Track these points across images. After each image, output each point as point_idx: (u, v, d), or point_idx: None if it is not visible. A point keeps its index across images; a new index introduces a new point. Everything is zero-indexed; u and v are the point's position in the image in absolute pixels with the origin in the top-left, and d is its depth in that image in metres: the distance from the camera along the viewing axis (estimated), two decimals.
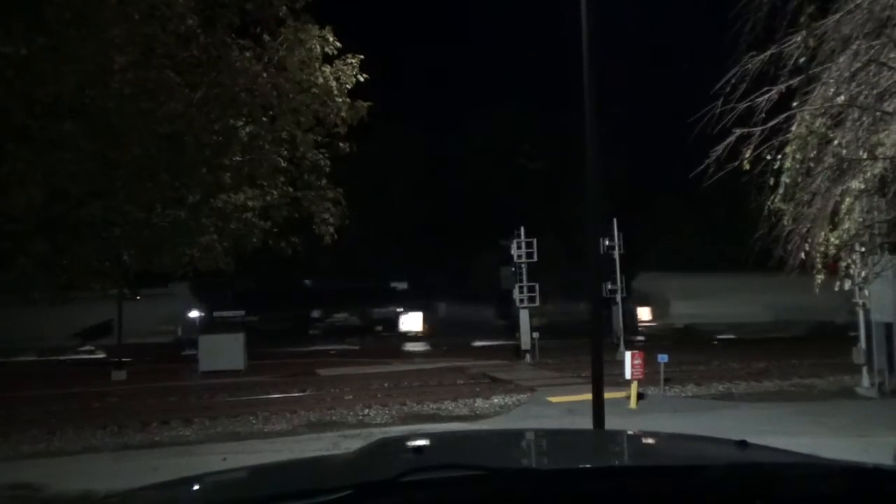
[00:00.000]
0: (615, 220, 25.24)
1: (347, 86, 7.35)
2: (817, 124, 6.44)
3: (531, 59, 49.62)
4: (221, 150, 6.91)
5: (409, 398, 16.23)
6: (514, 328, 36.41)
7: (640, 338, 32.73)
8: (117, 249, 7.56)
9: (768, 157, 6.49)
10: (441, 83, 53.18)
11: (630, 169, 39.82)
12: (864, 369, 14.90)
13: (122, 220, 7.18)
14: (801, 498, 1.57)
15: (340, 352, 29.80)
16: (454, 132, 47.74)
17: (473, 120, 47.26)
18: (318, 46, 7.08)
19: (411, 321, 39.46)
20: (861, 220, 7.19)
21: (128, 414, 14.99)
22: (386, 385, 18.96)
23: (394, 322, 39.32)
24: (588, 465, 1.98)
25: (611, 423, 7.83)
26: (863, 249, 7.92)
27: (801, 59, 6.15)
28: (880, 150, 6.36)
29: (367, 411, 14.86)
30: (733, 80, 6.19)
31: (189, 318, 30.97)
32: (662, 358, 14.69)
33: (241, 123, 6.96)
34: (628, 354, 13.76)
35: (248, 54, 6.90)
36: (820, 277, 7.32)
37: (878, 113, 6.16)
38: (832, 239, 7.02)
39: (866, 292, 13.55)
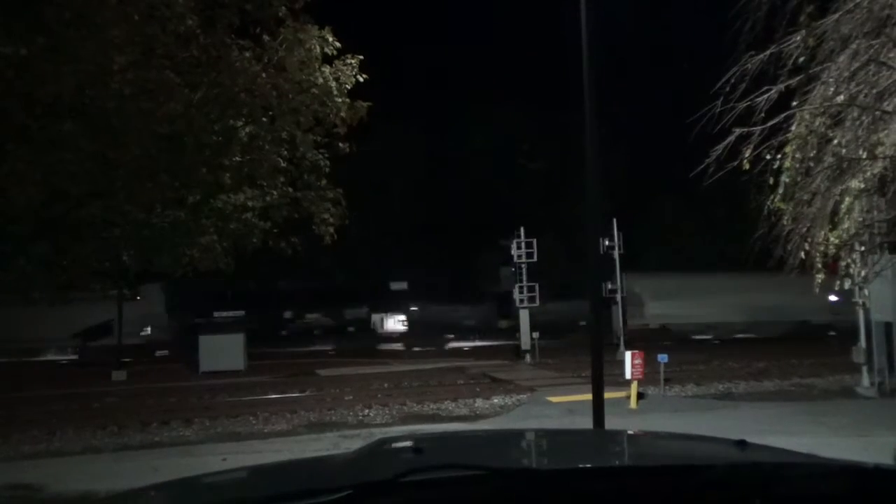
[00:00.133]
0: (615, 220, 25.24)
1: (347, 86, 7.36)
2: (817, 124, 6.44)
3: (531, 59, 49.60)
4: (221, 151, 6.91)
5: (409, 398, 16.23)
6: (494, 329, 36.51)
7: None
8: (117, 250, 7.57)
9: (768, 157, 6.49)
10: (441, 83, 53.16)
11: (630, 169, 39.83)
12: (864, 369, 14.90)
13: (122, 221, 7.19)
14: (801, 497, 1.57)
15: (312, 352, 29.76)
16: (454, 132, 47.73)
17: (473, 120, 47.24)
18: (317, 47, 7.08)
19: (390, 322, 39.44)
20: (861, 219, 7.19)
21: (128, 414, 14.98)
22: (386, 385, 18.95)
23: (366, 323, 39.22)
24: (588, 465, 1.98)
25: (611, 422, 7.83)
26: (862, 249, 7.92)
27: (801, 59, 6.15)
28: (880, 149, 6.36)
29: (367, 411, 14.85)
30: (733, 80, 6.19)
31: (160, 319, 30.87)
32: (662, 358, 14.69)
33: (240, 124, 6.96)
34: (628, 354, 13.75)
35: (247, 54, 6.91)
36: (820, 277, 7.31)
37: (877, 112, 6.16)
38: (832, 238, 7.02)
39: (866, 292, 13.54)
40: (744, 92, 6.20)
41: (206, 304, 31.81)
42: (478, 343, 33.01)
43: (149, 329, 29.94)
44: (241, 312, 35.00)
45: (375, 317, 39.69)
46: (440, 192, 44.83)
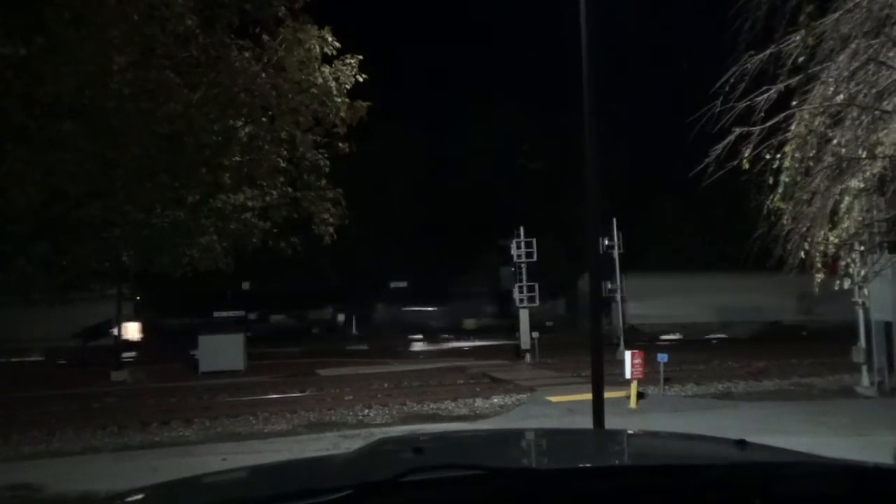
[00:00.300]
0: (615, 219, 25.24)
1: (346, 86, 7.35)
2: (816, 123, 6.44)
3: (531, 59, 49.62)
4: (221, 151, 6.91)
5: (409, 398, 16.23)
6: (460, 330, 36.45)
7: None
8: (117, 250, 7.56)
9: (767, 157, 6.49)
10: (441, 83, 53.19)
11: (630, 169, 39.84)
12: (864, 368, 14.90)
13: (122, 221, 7.19)
14: (800, 497, 1.57)
15: (271, 354, 29.82)
16: (454, 132, 47.75)
17: (473, 120, 47.25)
18: (316, 47, 7.08)
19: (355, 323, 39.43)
20: (860, 218, 7.19)
21: (128, 414, 14.98)
22: (386, 385, 18.95)
23: (331, 324, 39.14)
24: (588, 465, 1.98)
25: (611, 422, 7.83)
26: (862, 248, 7.92)
27: (801, 59, 6.15)
28: (879, 148, 6.36)
29: (367, 411, 14.85)
30: (732, 80, 6.18)
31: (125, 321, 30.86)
32: (662, 357, 14.70)
33: (240, 124, 6.96)
34: (628, 354, 13.76)
35: (247, 54, 6.90)
36: (820, 276, 7.32)
37: (877, 112, 6.16)
38: (831, 238, 7.02)
39: (866, 291, 13.54)
40: (743, 91, 6.20)
41: (173, 306, 31.75)
42: (452, 345, 32.78)
43: (116, 330, 30.04)
44: (240, 312, 35.03)
45: (341, 317, 39.65)
46: (440, 192, 44.84)
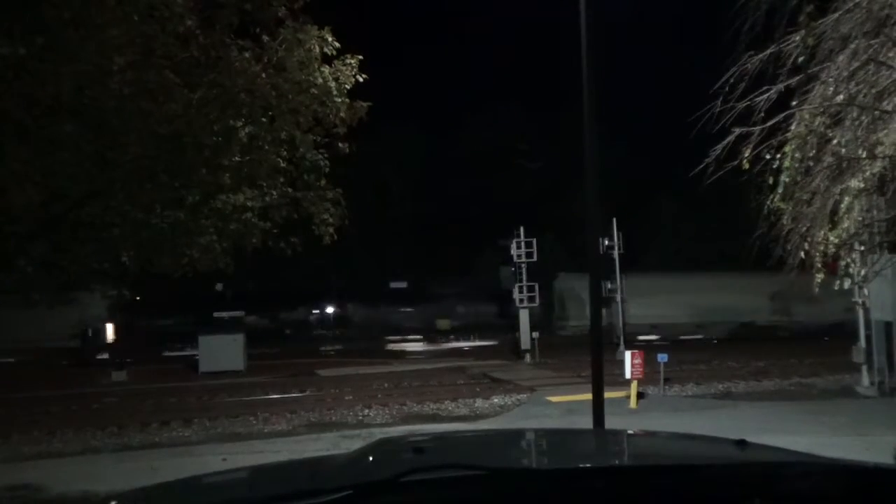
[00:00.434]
0: (615, 220, 25.26)
1: (346, 86, 7.34)
2: (816, 123, 6.44)
3: (531, 59, 49.71)
4: (221, 151, 6.89)
5: (410, 398, 16.24)
6: (434, 331, 36.41)
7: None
8: (116, 250, 7.54)
9: (767, 157, 6.48)
10: (441, 83, 53.26)
11: (630, 169, 39.85)
12: (864, 368, 14.90)
13: (122, 221, 7.17)
14: (801, 497, 1.57)
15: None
16: (454, 132, 47.81)
17: (473, 120, 47.30)
18: (316, 47, 7.06)
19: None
20: (860, 218, 7.18)
21: (128, 415, 14.99)
22: (386, 385, 18.96)
23: (306, 325, 39.06)
24: (588, 465, 1.98)
25: (611, 422, 7.83)
26: (862, 248, 7.92)
27: (800, 59, 6.15)
28: (879, 148, 6.36)
29: (367, 411, 14.86)
30: (732, 80, 6.18)
31: (97, 324, 30.81)
32: (662, 357, 14.71)
33: (240, 124, 6.94)
34: (628, 354, 13.77)
35: (247, 55, 6.89)
36: (819, 276, 7.31)
37: (877, 112, 6.16)
38: (831, 238, 7.02)
39: (866, 291, 13.55)
40: (743, 91, 6.20)
41: (146, 308, 31.70)
42: (424, 347, 32.68)
43: (90, 331, 30.03)
44: (240, 312, 34.90)
45: (313, 318, 39.56)
46: (440, 192, 44.86)
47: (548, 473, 1.75)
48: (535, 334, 24.55)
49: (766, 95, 6.23)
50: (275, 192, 7.84)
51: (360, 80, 7.44)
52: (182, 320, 33.34)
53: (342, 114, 7.37)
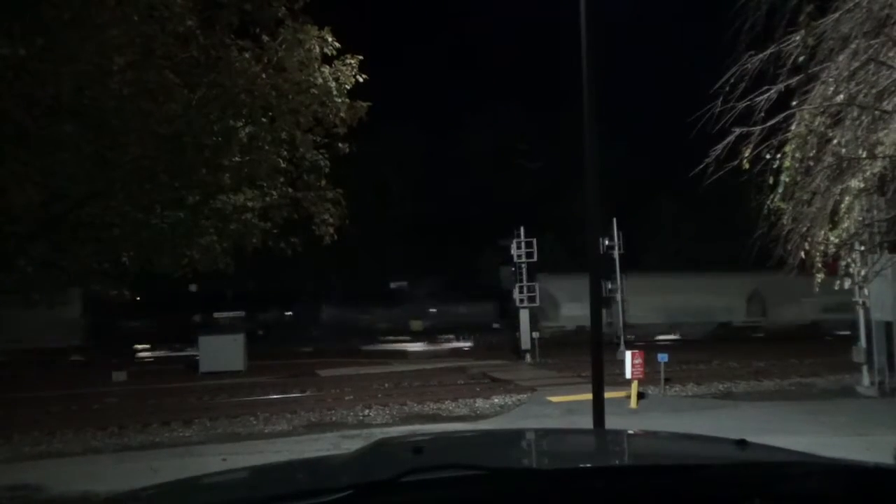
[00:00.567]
0: (615, 219, 25.27)
1: (346, 86, 7.34)
2: (816, 123, 6.43)
3: (531, 59, 49.73)
4: (221, 151, 6.89)
5: (410, 398, 16.23)
6: (407, 332, 36.35)
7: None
8: (116, 250, 7.54)
9: (767, 157, 6.48)
10: (441, 83, 53.29)
11: (630, 169, 39.84)
12: (865, 368, 14.90)
13: (122, 221, 7.17)
14: (801, 497, 1.57)
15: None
16: (454, 132, 47.84)
17: (473, 120, 47.32)
18: (316, 47, 7.07)
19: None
20: (861, 218, 7.18)
21: (128, 415, 14.98)
22: (386, 385, 18.96)
23: (279, 325, 38.96)
24: (589, 465, 1.98)
25: (611, 422, 7.83)
26: (862, 248, 7.91)
27: (801, 58, 6.15)
28: (880, 148, 6.35)
29: (367, 412, 14.86)
30: (732, 80, 6.18)
31: (77, 324, 30.78)
32: (663, 357, 14.71)
33: (240, 124, 6.94)
34: (628, 354, 13.77)
35: (247, 55, 6.89)
36: (820, 276, 7.31)
37: (877, 112, 6.16)
38: (832, 238, 7.01)
39: (866, 291, 13.54)
40: (743, 91, 6.19)
41: (118, 310, 31.63)
42: (396, 347, 32.51)
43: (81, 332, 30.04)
44: (241, 313, 34.97)
45: (287, 319, 39.42)
46: (440, 192, 44.86)
47: (548, 473, 1.75)
48: (536, 334, 24.56)
49: (766, 95, 6.22)
50: (275, 193, 7.84)
51: (360, 80, 7.44)
52: (161, 320, 33.26)
53: (342, 114, 7.37)
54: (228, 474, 2.52)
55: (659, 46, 47.73)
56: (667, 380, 16.14)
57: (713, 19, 6.93)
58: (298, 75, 7.04)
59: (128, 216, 7.09)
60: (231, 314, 35.60)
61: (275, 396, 17.48)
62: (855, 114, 6.25)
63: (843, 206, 6.87)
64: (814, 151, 6.58)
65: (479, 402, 15.60)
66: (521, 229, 25.53)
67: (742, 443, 1.92)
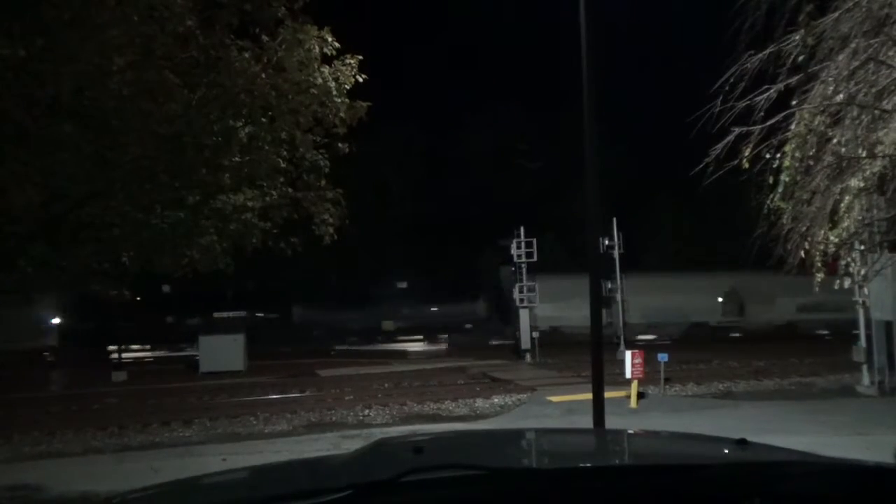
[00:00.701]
0: (615, 220, 25.27)
1: (346, 86, 7.34)
2: (816, 123, 6.43)
3: (531, 59, 49.72)
4: (220, 151, 6.89)
5: (410, 398, 16.24)
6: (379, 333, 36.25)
7: (508, 341, 31.98)
8: (116, 251, 7.54)
9: (767, 156, 6.48)
10: (441, 83, 53.28)
11: (630, 169, 39.86)
12: (865, 368, 14.90)
13: (121, 221, 7.17)
14: (801, 496, 1.57)
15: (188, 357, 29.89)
16: (454, 132, 47.84)
17: (473, 120, 47.32)
18: (316, 47, 7.06)
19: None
20: (860, 218, 7.18)
21: (128, 415, 14.99)
22: (386, 385, 18.96)
23: (252, 327, 38.77)
24: (589, 465, 1.98)
25: (611, 422, 7.84)
26: (862, 248, 7.91)
27: (800, 58, 6.15)
28: (879, 148, 6.35)
29: (367, 412, 14.86)
30: (732, 79, 6.18)
31: (50, 325, 30.82)
32: (663, 357, 14.71)
33: (240, 124, 6.94)
34: (628, 354, 13.77)
35: (246, 55, 6.89)
36: (819, 276, 7.31)
37: (876, 111, 6.16)
38: (832, 237, 7.01)
39: (866, 290, 13.53)
40: (743, 91, 6.19)
41: (90, 312, 31.60)
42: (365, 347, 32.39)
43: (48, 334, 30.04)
44: (241, 313, 34.90)
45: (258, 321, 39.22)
46: (440, 192, 44.87)
47: (548, 473, 1.75)
48: (536, 334, 24.55)
49: (765, 95, 6.22)
50: (275, 193, 7.83)
51: (360, 80, 7.43)
52: (134, 322, 33.17)
53: (342, 114, 7.37)
54: (228, 474, 2.52)
55: (659, 46, 47.74)
56: (667, 379, 16.14)
57: (713, 19, 6.94)
58: (298, 75, 7.04)
59: (128, 216, 7.09)
60: (230, 314, 35.56)
61: (275, 396, 17.48)
62: (855, 113, 6.25)
63: (842, 205, 6.87)
64: (813, 151, 6.58)
65: (479, 402, 15.60)
66: (521, 229, 25.54)
67: (742, 442, 1.92)
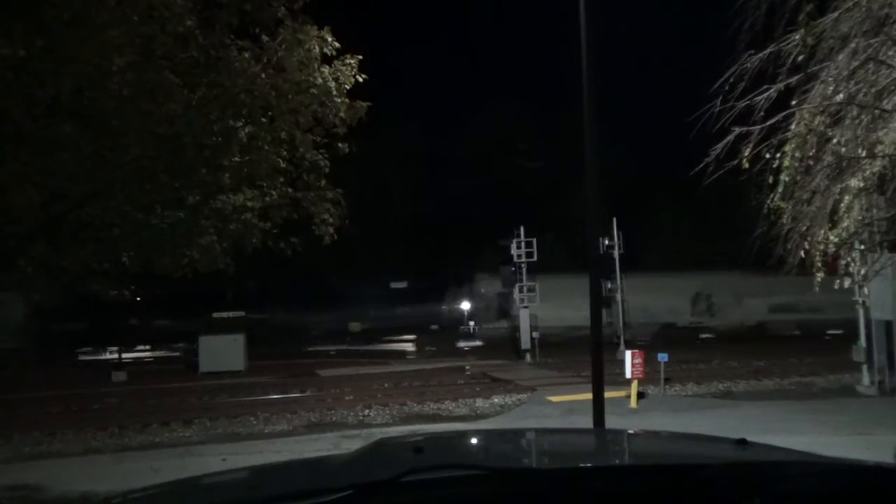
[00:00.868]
0: (615, 219, 25.26)
1: (346, 86, 7.34)
2: (816, 122, 6.43)
3: (531, 59, 49.72)
4: (220, 151, 6.89)
5: (410, 398, 16.23)
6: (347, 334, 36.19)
7: (474, 343, 32.13)
8: (116, 251, 7.54)
9: (767, 156, 6.48)
10: (441, 83, 53.29)
11: (630, 169, 39.87)
12: (864, 367, 14.89)
13: (122, 221, 7.17)
14: (801, 496, 1.57)
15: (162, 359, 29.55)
16: (454, 132, 47.87)
17: (473, 120, 47.36)
18: (316, 47, 7.06)
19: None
20: (860, 218, 7.18)
21: (128, 415, 14.99)
22: (386, 385, 18.96)
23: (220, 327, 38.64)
24: (589, 465, 1.98)
25: (611, 422, 7.83)
26: (862, 247, 7.91)
27: (800, 58, 6.15)
28: (879, 147, 6.36)
29: (367, 412, 14.86)
30: (732, 79, 6.18)
31: (17, 325, 30.58)
32: (663, 357, 14.71)
33: (240, 124, 6.94)
34: (628, 353, 13.76)
35: (246, 55, 6.89)
36: (819, 276, 7.31)
37: (876, 111, 6.16)
38: (831, 237, 7.01)
39: (866, 290, 13.53)
40: (743, 91, 6.19)
41: (56, 313, 31.48)
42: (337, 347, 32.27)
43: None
44: (241, 312, 34.75)
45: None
46: (440, 192, 44.90)
47: (548, 473, 1.75)
48: (536, 334, 24.53)
49: (765, 95, 6.22)
50: (275, 193, 7.84)
51: (360, 80, 7.43)
52: (103, 323, 33.08)
53: (342, 114, 7.37)
54: (228, 474, 2.52)
55: (659, 46, 47.74)
56: (667, 379, 16.14)
57: (713, 19, 6.93)
58: (298, 75, 7.04)
59: (128, 216, 7.09)
60: (231, 313, 35.44)
61: (275, 396, 17.48)
62: (854, 113, 6.25)
63: (842, 205, 6.87)
64: (813, 151, 6.58)
65: (479, 402, 15.60)
66: (521, 229, 25.53)
67: (742, 442, 1.92)
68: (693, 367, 20.07)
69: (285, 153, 7.51)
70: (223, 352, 23.06)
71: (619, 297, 26.15)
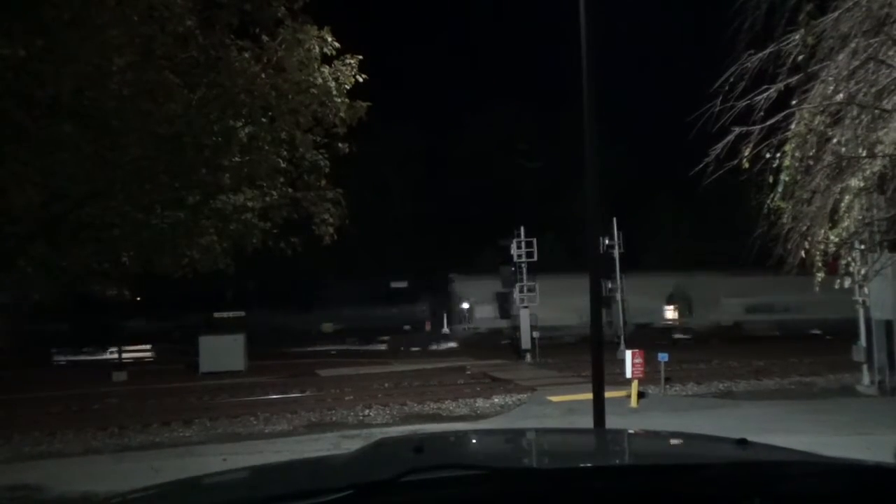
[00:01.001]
0: (615, 219, 25.27)
1: (346, 86, 7.33)
2: (816, 122, 6.43)
3: (531, 59, 49.74)
4: (220, 151, 6.89)
5: (410, 398, 16.24)
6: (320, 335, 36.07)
7: (450, 344, 32.03)
8: (116, 251, 7.54)
9: (767, 156, 6.48)
10: (441, 83, 53.32)
11: (630, 169, 39.88)
12: (865, 367, 14.89)
13: (121, 221, 7.17)
14: (801, 496, 1.56)
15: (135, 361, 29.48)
16: (454, 132, 47.89)
17: (473, 120, 47.38)
18: (316, 47, 7.06)
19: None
20: (860, 217, 7.18)
21: (128, 415, 14.99)
22: (386, 385, 18.96)
23: (190, 329, 38.45)
24: (589, 465, 1.98)
25: (612, 422, 7.83)
26: (862, 247, 7.92)
27: (800, 57, 6.15)
28: (879, 147, 6.35)
29: (367, 411, 14.86)
30: (732, 79, 6.18)
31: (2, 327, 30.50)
32: (663, 357, 14.71)
33: (240, 124, 6.93)
34: (629, 353, 13.77)
35: (246, 55, 6.88)
36: (820, 276, 7.31)
37: (876, 111, 6.16)
38: (832, 237, 7.01)
39: (866, 290, 13.53)
40: (743, 91, 6.19)
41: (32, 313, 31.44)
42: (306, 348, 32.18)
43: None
44: (241, 312, 34.81)
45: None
46: (440, 192, 44.90)
47: (548, 473, 1.75)
48: (536, 334, 24.54)
49: (765, 94, 6.22)
50: (275, 193, 7.83)
51: (360, 80, 7.43)
52: (80, 324, 32.97)
53: (342, 114, 7.36)
54: (229, 474, 2.52)
55: (659, 46, 47.76)
56: (667, 379, 16.14)
57: (713, 19, 6.93)
58: (298, 75, 7.03)
59: (128, 216, 7.09)
60: (231, 314, 35.43)
61: (275, 396, 17.48)
62: (855, 112, 6.25)
63: (842, 204, 6.87)
64: (813, 150, 6.58)
65: (480, 402, 15.60)
66: (521, 229, 25.54)
67: (742, 442, 1.92)
68: (693, 367, 20.08)
69: (285, 153, 7.50)
70: (223, 352, 23.07)
71: (618, 296, 26.16)
